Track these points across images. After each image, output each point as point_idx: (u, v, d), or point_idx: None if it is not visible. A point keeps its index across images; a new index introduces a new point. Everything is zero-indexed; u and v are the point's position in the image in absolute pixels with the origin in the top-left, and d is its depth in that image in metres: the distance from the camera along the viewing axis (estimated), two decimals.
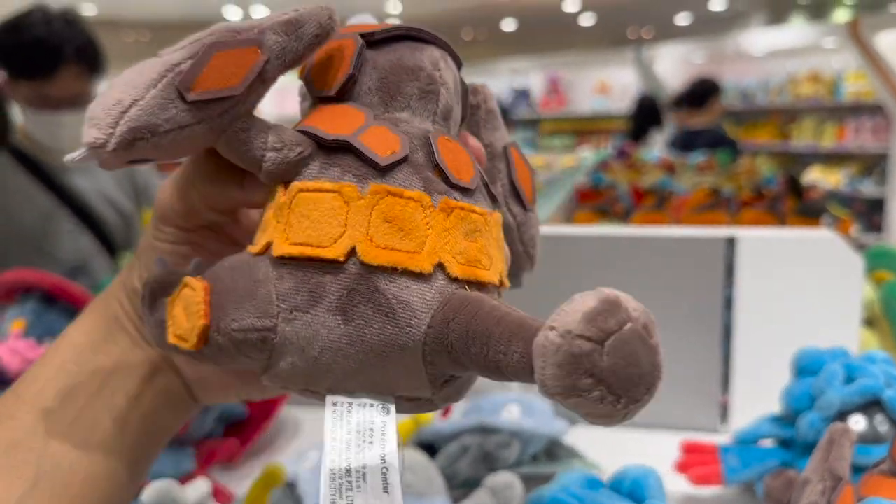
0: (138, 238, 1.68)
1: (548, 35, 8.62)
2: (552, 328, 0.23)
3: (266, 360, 0.27)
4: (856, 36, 4.53)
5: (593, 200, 1.67)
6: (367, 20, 0.34)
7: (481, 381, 0.31)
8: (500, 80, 7.49)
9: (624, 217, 1.46)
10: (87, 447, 0.33)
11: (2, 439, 0.32)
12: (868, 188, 4.92)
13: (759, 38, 5.86)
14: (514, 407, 0.66)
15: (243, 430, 0.79)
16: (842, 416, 0.55)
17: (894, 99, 4.45)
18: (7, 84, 1.47)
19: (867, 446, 0.54)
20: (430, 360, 0.27)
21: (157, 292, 0.30)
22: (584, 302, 0.23)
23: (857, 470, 0.51)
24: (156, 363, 0.36)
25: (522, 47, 8.88)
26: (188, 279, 0.28)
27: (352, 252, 0.26)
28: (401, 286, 0.26)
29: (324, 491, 0.25)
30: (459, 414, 0.69)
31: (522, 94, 7.49)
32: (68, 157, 0.27)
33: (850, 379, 0.56)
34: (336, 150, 0.28)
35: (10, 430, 0.32)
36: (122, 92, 0.26)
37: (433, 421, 0.69)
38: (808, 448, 0.57)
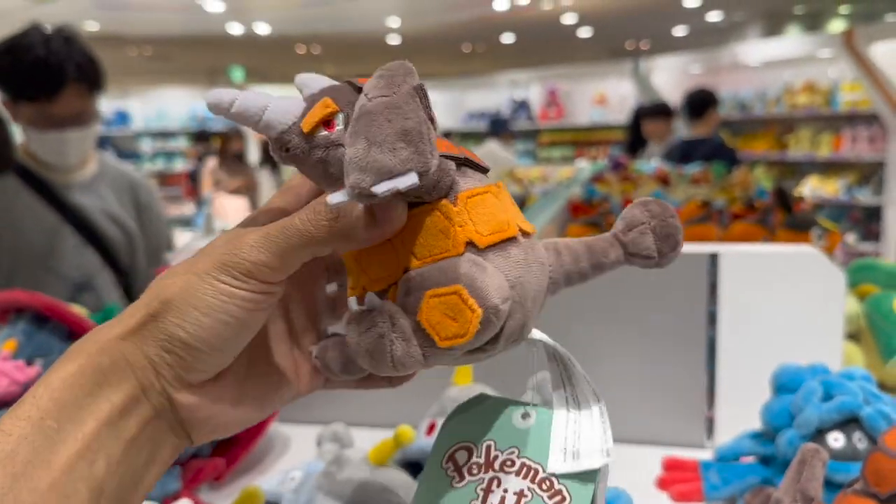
0: (140, 255, 1.70)
1: (546, 47, 8.65)
2: (643, 223, 0.38)
3: (503, 324, 0.34)
4: (851, 46, 4.56)
5: (586, 213, 1.67)
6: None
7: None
8: (499, 92, 7.52)
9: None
10: None
11: None
12: (865, 197, 4.93)
13: (756, 49, 5.89)
14: None
15: (231, 448, 0.79)
16: (820, 433, 0.56)
17: (890, 108, 4.47)
18: (7, 105, 1.48)
19: (846, 463, 0.54)
20: (549, 289, 0.37)
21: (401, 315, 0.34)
22: (644, 203, 0.38)
23: (837, 487, 0.51)
24: (148, 418, 0.34)
25: (521, 60, 8.91)
26: (434, 290, 0.33)
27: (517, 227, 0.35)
28: (535, 244, 0.36)
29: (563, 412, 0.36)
30: None
31: (522, 106, 7.52)
32: (393, 184, 0.31)
33: (828, 396, 0.56)
34: (458, 165, 0.36)
35: None
36: (404, 130, 0.31)
37: (417, 439, 0.69)
38: (787, 465, 0.57)
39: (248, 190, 5.30)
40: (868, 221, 4.97)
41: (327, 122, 0.34)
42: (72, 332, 0.94)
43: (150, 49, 8.29)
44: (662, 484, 0.63)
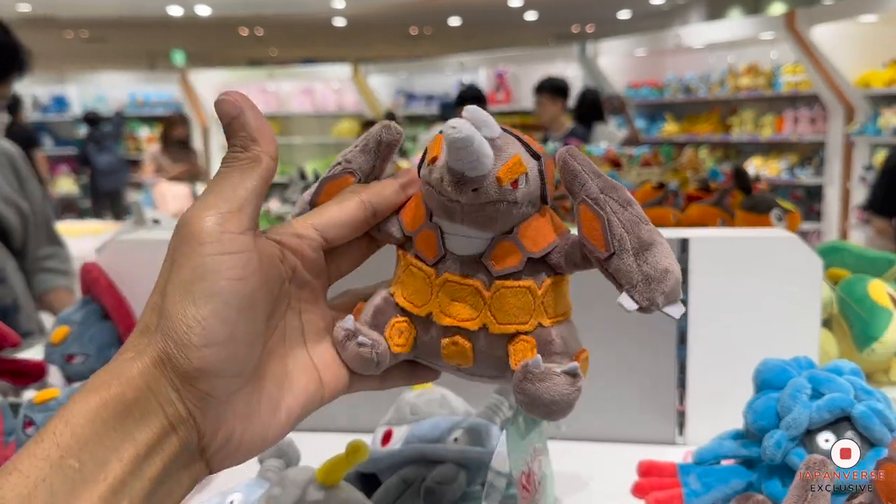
0: (33, 234, 1.55)
1: (493, 31, 8.60)
2: None
3: None
4: (792, 28, 4.62)
5: None
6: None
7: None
8: (447, 75, 7.43)
9: (571, 214, 1.41)
10: None
11: None
12: (806, 177, 5.03)
13: (699, 32, 5.93)
14: (461, 432, 0.60)
15: None
16: (810, 433, 0.51)
17: (830, 89, 4.56)
18: None
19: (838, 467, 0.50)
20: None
21: None
22: None
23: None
24: (174, 454, 0.31)
25: (468, 43, 8.84)
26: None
27: None
28: None
29: None
30: (400, 440, 0.62)
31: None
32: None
33: (816, 393, 0.52)
34: None
35: None
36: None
37: (372, 449, 0.63)
38: (773, 469, 0.53)
39: (192, 177, 5.10)
40: (809, 201, 5.08)
41: (515, 181, 0.35)
42: None
43: (86, 32, 7.93)
44: (639, 490, 0.58)
